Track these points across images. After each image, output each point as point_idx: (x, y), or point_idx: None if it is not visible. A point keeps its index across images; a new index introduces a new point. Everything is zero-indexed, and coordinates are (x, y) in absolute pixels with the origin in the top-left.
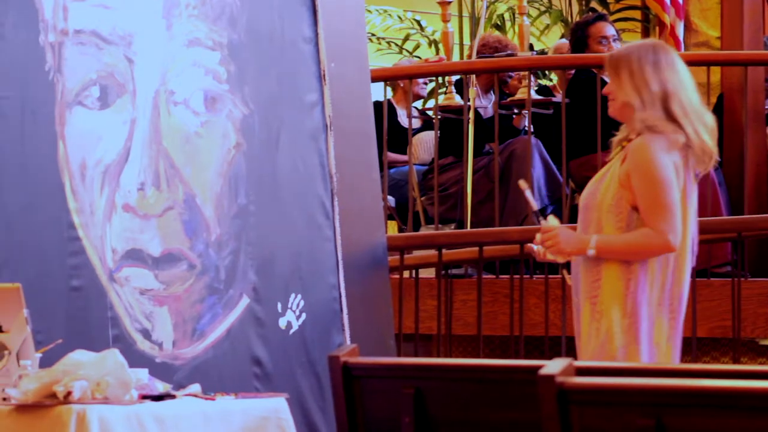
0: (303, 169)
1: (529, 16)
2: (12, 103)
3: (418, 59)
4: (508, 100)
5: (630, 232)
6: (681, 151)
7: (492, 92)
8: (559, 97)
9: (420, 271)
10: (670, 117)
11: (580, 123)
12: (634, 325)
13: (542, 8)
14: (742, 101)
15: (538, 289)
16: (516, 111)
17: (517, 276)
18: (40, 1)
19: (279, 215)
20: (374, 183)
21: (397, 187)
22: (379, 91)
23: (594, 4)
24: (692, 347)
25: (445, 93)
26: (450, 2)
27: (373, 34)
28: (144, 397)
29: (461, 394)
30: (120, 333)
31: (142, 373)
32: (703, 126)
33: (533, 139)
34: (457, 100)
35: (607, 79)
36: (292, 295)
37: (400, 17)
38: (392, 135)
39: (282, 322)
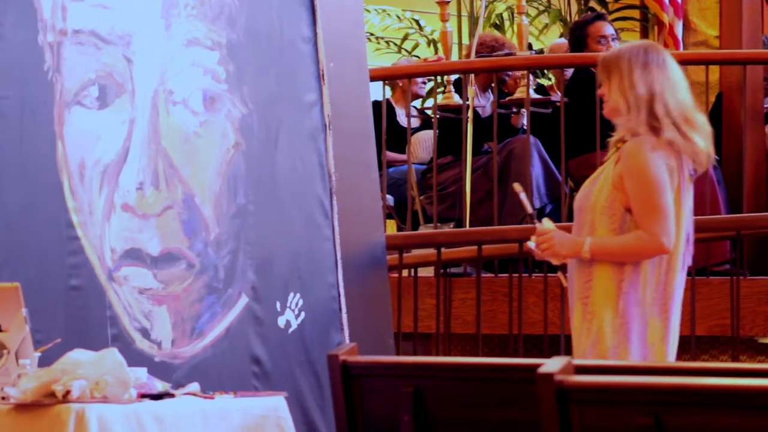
0: (302, 169)
1: (527, 15)
2: (11, 103)
3: (416, 59)
4: (507, 99)
5: (623, 235)
6: (674, 152)
7: (490, 91)
8: (556, 97)
9: (419, 269)
10: (654, 119)
11: (579, 122)
12: (626, 326)
13: (541, 7)
14: (740, 100)
15: (537, 288)
16: (515, 110)
17: (516, 275)
18: (38, 0)
19: (278, 215)
20: (373, 182)
21: (395, 186)
22: (378, 91)
23: (593, 4)
24: (691, 345)
25: (444, 92)
26: (449, 2)
27: (371, 34)
28: (143, 396)
29: (460, 393)
30: (119, 332)
31: (141, 372)
32: (690, 126)
33: (532, 138)
34: (456, 99)
35: None
36: (291, 294)
37: (398, 17)
38: (391, 134)
39: (281, 321)
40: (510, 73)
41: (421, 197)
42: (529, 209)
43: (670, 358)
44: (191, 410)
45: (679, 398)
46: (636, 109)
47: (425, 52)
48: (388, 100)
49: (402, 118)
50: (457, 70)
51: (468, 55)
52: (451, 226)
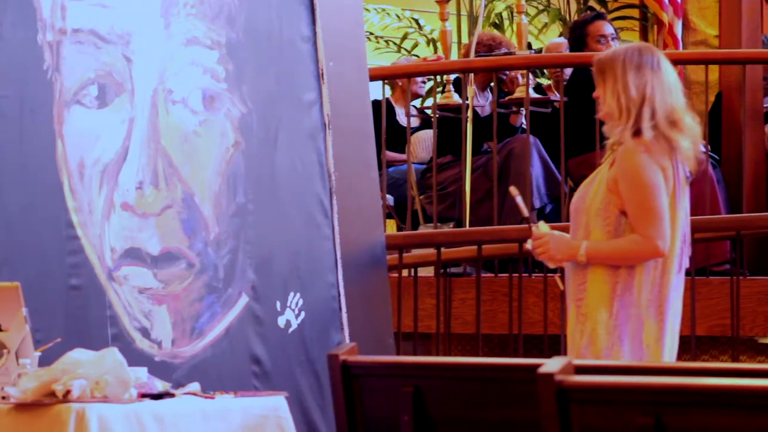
0: (301, 168)
1: (527, 14)
2: (10, 103)
3: (416, 58)
4: (507, 98)
5: (619, 239)
6: (669, 154)
7: (489, 90)
8: (556, 97)
9: (419, 269)
10: (639, 121)
11: (579, 121)
12: (619, 327)
13: (540, 7)
14: (740, 100)
15: (537, 288)
16: (514, 109)
17: (516, 274)
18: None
19: (277, 214)
20: (373, 182)
21: (395, 186)
22: (378, 90)
23: (592, 3)
24: (691, 345)
25: (443, 92)
26: (448, 1)
27: (371, 33)
28: (143, 395)
29: (460, 393)
30: (119, 332)
31: (141, 372)
32: (675, 128)
33: (531, 138)
34: (456, 98)
35: None
36: (291, 294)
37: (398, 16)
38: (391, 134)
39: (281, 321)
40: (507, 72)
41: (421, 197)
42: (526, 212)
43: (666, 359)
44: (191, 410)
45: (679, 398)
46: (627, 113)
47: (425, 52)
48: (387, 100)
49: (401, 118)
50: (457, 70)
51: (467, 55)
52: (451, 225)
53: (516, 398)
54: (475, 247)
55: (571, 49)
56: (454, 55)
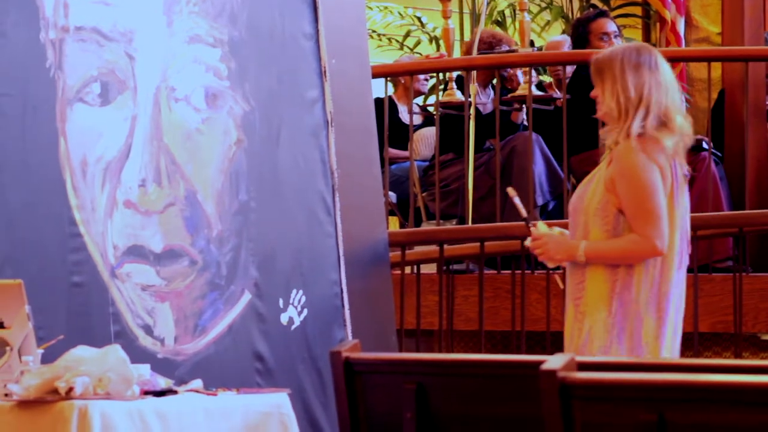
0: (304, 166)
1: (529, 12)
2: (13, 101)
3: (418, 56)
4: (509, 96)
5: (618, 238)
6: (666, 153)
7: (491, 88)
8: (556, 94)
9: (421, 266)
10: (633, 120)
11: (581, 118)
12: (617, 326)
13: (543, 4)
14: (743, 97)
15: (539, 285)
16: (517, 106)
17: (519, 271)
18: None
19: (280, 211)
20: (375, 179)
21: (398, 183)
22: (380, 88)
23: (595, 1)
24: (694, 342)
25: (446, 89)
26: None
27: (373, 31)
28: (146, 392)
29: (463, 390)
30: (122, 329)
31: (144, 369)
32: (664, 127)
33: (534, 135)
34: (458, 96)
35: None
36: (294, 291)
37: (400, 14)
38: (393, 131)
39: (284, 318)
40: (508, 69)
41: (424, 194)
42: (524, 213)
43: (665, 356)
44: (194, 407)
45: (682, 395)
46: (626, 113)
47: (427, 49)
48: (390, 97)
49: (404, 115)
50: (459, 67)
51: (468, 52)
52: (454, 223)
53: (519, 395)
54: (477, 244)
55: (574, 47)
56: (457, 53)
